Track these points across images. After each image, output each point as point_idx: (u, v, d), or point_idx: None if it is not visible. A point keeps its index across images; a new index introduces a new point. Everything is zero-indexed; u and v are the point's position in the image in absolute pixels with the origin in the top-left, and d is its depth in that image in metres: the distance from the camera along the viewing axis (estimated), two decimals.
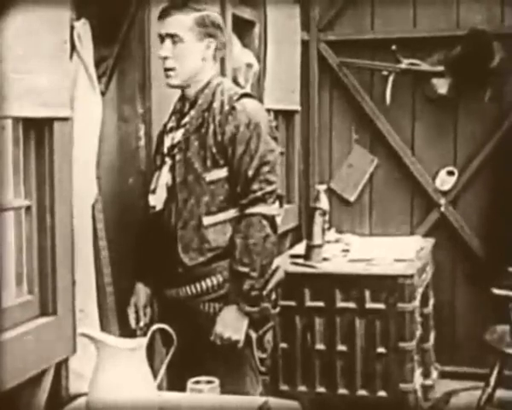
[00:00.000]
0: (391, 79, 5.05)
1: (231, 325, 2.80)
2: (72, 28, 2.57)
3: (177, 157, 2.87)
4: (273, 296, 2.94)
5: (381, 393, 4.16)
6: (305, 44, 5.15)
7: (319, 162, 5.29)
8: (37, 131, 2.44)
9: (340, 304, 4.18)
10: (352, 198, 5.32)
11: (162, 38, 2.87)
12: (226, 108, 2.84)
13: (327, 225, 4.46)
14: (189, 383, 2.34)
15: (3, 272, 2.31)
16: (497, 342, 4.19)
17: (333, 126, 5.34)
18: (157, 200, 2.91)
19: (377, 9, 5.18)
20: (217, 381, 2.35)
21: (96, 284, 2.78)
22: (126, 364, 2.20)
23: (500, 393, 4.24)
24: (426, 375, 4.56)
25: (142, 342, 2.26)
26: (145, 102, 3.26)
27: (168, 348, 2.41)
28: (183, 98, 2.97)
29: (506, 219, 4.85)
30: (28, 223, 2.45)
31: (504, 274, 4.29)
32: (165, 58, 2.86)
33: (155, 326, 2.38)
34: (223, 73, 3.64)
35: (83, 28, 2.63)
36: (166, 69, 2.88)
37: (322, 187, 4.41)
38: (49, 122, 2.44)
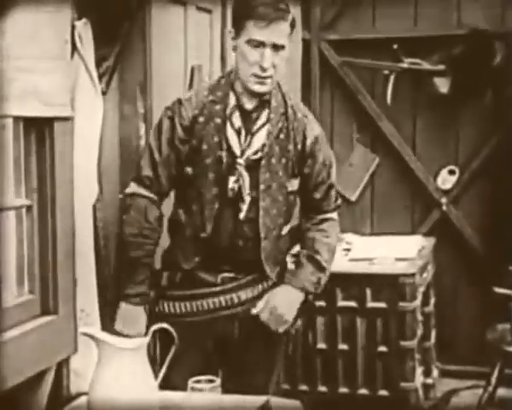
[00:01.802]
0: (392, 78, 5.05)
1: (288, 302, 2.78)
2: (73, 28, 2.57)
3: (263, 162, 2.69)
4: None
5: (382, 392, 4.17)
6: (306, 43, 5.14)
7: None
8: (38, 131, 2.44)
9: (341, 303, 4.19)
10: (353, 197, 5.32)
11: (260, 44, 2.59)
12: (299, 115, 2.74)
13: None
14: (190, 382, 2.34)
15: (4, 271, 2.31)
16: (499, 340, 4.19)
17: (334, 125, 5.34)
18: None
19: (378, 8, 5.18)
20: (218, 380, 2.35)
21: (97, 284, 2.78)
22: (127, 363, 2.21)
23: (501, 392, 4.24)
24: (427, 374, 4.56)
25: (144, 341, 2.26)
26: (146, 101, 3.26)
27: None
28: (246, 92, 2.69)
29: (507, 218, 4.85)
30: (29, 222, 2.45)
31: (505, 273, 4.29)
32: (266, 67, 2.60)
33: (156, 326, 2.38)
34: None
35: (84, 28, 2.63)
36: (263, 77, 2.62)
37: None
38: (49, 122, 2.44)
